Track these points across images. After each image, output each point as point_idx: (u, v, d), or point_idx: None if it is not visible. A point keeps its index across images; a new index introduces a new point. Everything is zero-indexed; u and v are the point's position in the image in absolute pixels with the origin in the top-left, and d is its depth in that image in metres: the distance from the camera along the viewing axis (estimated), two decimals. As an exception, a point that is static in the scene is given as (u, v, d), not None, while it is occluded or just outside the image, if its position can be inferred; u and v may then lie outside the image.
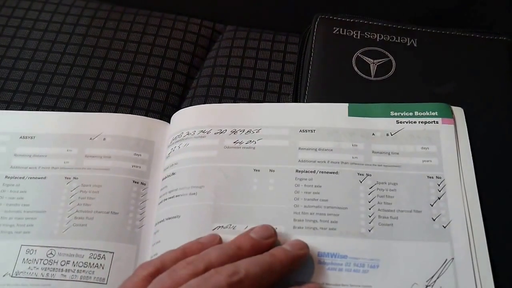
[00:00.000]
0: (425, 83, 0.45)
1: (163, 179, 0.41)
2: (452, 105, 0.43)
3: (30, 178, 0.41)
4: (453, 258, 0.36)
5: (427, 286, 0.35)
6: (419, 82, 0.45)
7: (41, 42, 0.51)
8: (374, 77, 0.45)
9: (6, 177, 0.41)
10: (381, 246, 0.36)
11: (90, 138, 0.43)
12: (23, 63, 0.50)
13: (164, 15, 0.54)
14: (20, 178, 0.41)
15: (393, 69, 0.46)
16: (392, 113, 0.42)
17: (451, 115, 0.42)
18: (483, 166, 0.40)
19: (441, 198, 0.38)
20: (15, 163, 0.42)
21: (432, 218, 0.37)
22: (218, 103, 0.48)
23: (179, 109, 0.46)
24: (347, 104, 0.43)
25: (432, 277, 0.35)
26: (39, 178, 0.41)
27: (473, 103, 0.43)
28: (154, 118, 0.46)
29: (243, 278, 0.32)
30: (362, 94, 0.44)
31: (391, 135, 0.41)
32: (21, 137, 0.43)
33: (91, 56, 0.50)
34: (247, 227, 0.37)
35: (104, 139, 0.43)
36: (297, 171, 0.40)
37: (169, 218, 0.38)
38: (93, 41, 0.52)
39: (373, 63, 0.46)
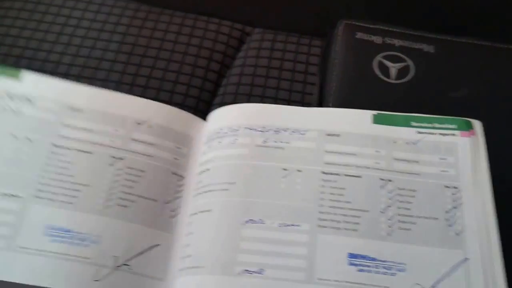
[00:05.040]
0: (441, 87, 0.47)
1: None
2: (466, 111, 0.44)
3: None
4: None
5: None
6: (436, 86, 0.47)
7: (84, 39, 0.54)
8: (394, 80, 0.47)
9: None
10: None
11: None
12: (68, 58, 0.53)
13: (198, 17, 0.57)
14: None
15: (411, 73, 0.48)
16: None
17: (469, 128, 0.43)
18: (499, 174, 0.41)
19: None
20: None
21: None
22: (247, 100, 0.51)
23: (211, 105, 0.48)
24: (371, 112, 0.44)
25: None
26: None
27: (487, 110, 0.45)
28: (189, 112, 0.46)
29: None
30: (383, 96, 0.47)
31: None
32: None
33: (130, 53, 0.53)
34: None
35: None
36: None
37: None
38: (132, 40, 0.54)
39: (393, 66, 0.48)
